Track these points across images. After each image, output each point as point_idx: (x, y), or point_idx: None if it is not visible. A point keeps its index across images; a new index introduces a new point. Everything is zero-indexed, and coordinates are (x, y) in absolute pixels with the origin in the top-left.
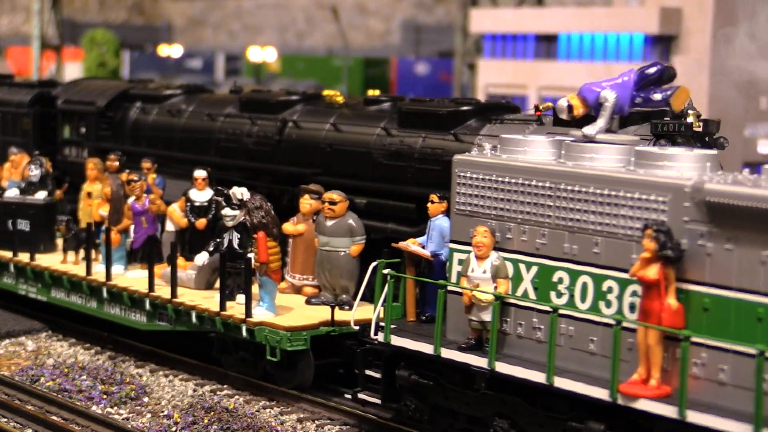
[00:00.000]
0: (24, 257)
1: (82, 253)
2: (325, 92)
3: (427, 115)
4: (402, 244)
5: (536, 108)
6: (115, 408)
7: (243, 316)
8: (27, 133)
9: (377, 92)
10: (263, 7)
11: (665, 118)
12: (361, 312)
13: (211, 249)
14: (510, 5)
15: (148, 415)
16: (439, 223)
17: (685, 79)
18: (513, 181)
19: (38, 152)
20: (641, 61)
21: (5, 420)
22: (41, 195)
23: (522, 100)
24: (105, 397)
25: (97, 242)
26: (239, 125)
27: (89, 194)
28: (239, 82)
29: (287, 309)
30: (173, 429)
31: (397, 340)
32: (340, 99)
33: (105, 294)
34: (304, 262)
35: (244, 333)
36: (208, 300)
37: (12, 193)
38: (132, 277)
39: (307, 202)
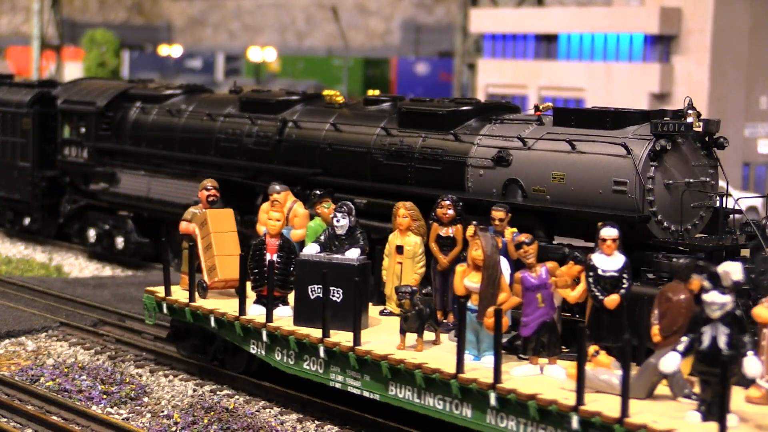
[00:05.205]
0: (340, 338)
1: (425, 335)
2: (325, 92)
3: (426, 115)
4: None
5: (536, 108)
6: (115, 408)
7: None
8: (27, 133)
9: (377, 92)
10: (263, 7)
11: (665, 118)
12: None
13: (682, 348)
14: (510, 5)
15: (148, 415)
16: None
17: (685, 79)
18: None
19: (325, 190)
20: (641, 61)
21: (5, 420)
22: (353, 253)
23: (522, 100)
24: (105, 397)
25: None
26: (239, 125)
27: (399, 248)
28: (239, 82)
29: None
30: (173, 429)
31: None
32: (340, 99)
33: (493, 401)
34: None
35: None
36: (677, 421)
37: (312, 250)
38: (523, 376)
39: None
